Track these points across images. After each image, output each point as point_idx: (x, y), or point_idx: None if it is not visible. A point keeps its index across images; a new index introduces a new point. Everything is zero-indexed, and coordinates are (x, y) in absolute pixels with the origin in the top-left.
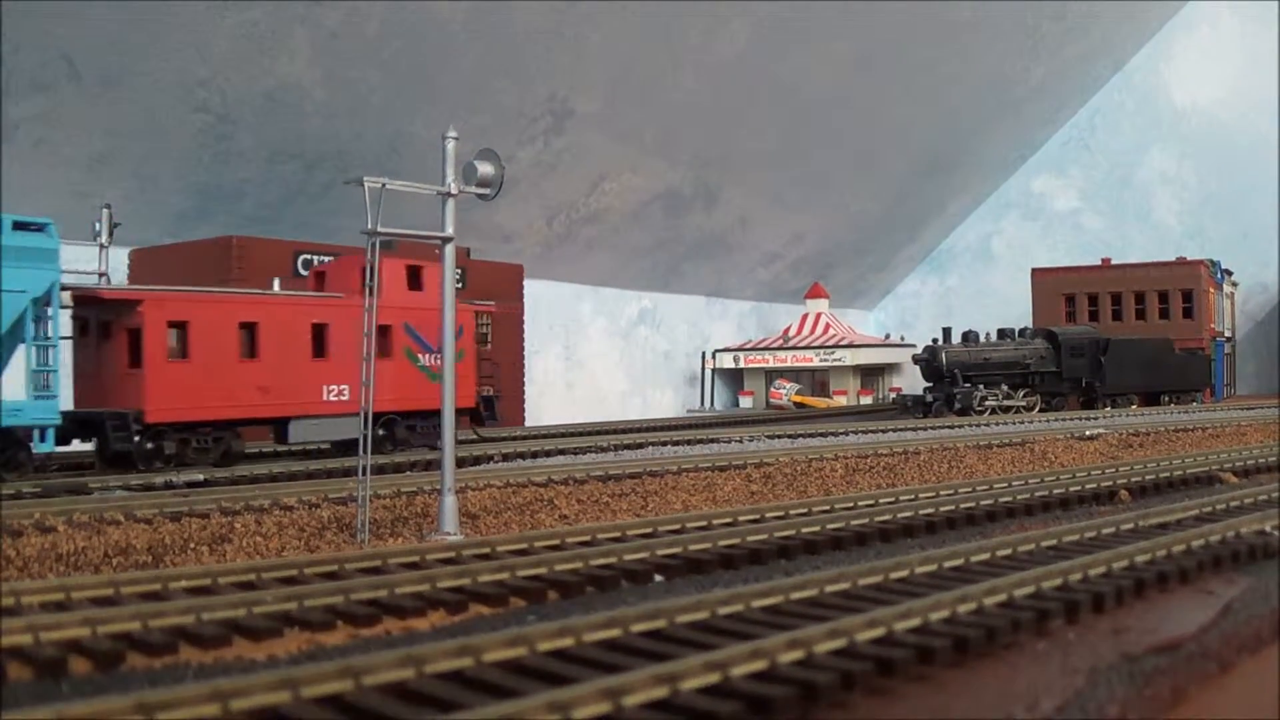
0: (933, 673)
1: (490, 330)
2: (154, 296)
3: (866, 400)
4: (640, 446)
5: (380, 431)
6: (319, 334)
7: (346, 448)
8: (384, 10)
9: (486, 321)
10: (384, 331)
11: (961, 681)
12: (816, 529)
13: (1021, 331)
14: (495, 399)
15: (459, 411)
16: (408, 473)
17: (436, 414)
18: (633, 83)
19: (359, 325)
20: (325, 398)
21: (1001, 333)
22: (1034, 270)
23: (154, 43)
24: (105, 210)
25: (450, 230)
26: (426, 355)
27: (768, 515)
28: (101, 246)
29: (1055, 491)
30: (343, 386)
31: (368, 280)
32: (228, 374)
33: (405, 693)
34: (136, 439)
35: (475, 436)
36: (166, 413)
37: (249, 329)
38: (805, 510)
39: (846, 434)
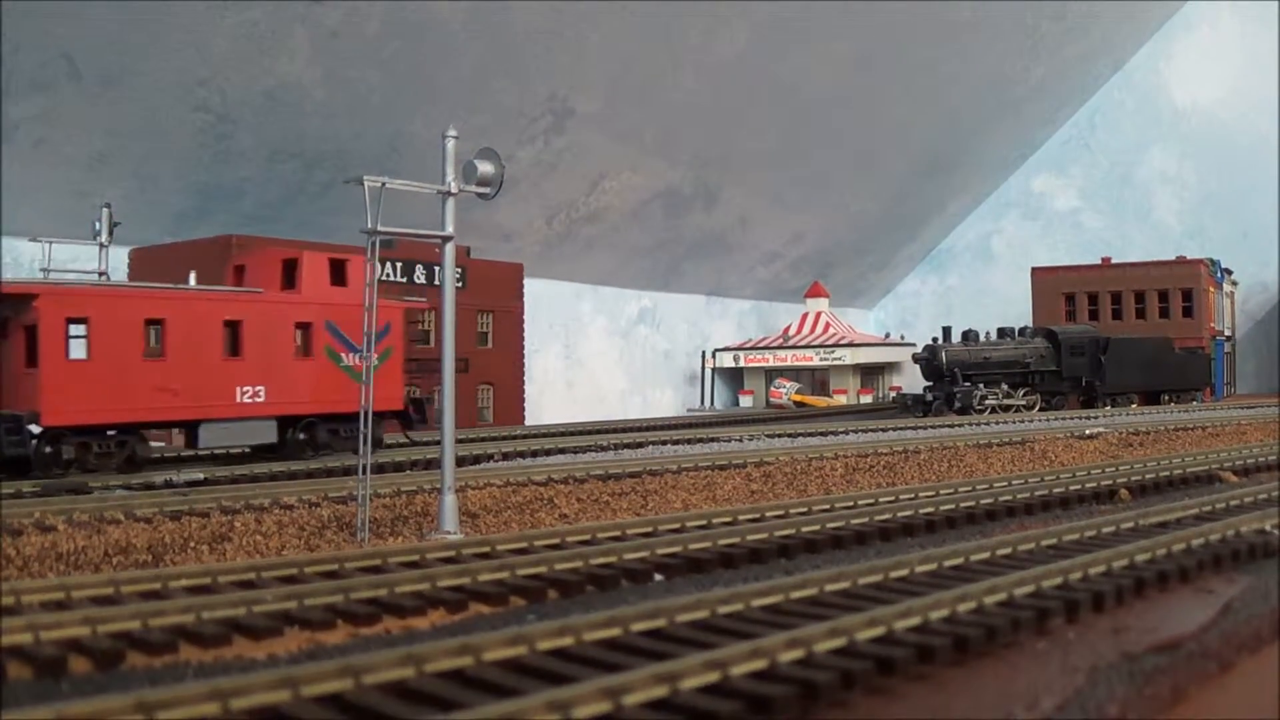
0: (933, 672)
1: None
2: (51, 291)
3: (866, 399)
4: (640, 445)
5: (300, 435)
6: (233, 331)
7: (270, 451)
8: (384, 10)
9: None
10: (302, 329)
11: (962, 680)
12: (816, 528)
13: (1021, 331)
14: (426, 401)
15: (384, 415)
16: (408, 471)
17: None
18: (633, 83)
19: (277, 322)
20: (239, 399)
21: (1001, 332)
22: (1034, 269)
23: (154, 43)
24: (105, 210)
25: (450, 229)
26: (350, 355)
27: (768, 514)
28: (101, 246)
29: (1055, 490)
30: (258, 388)
31: (367, 279)
32: (132, 374)
33: (405, 692)
34: (34, 443)
35: (406, 440)
36: (65, 415)
37: (155, 326)
38: (805, 509)
39: (846, 433)
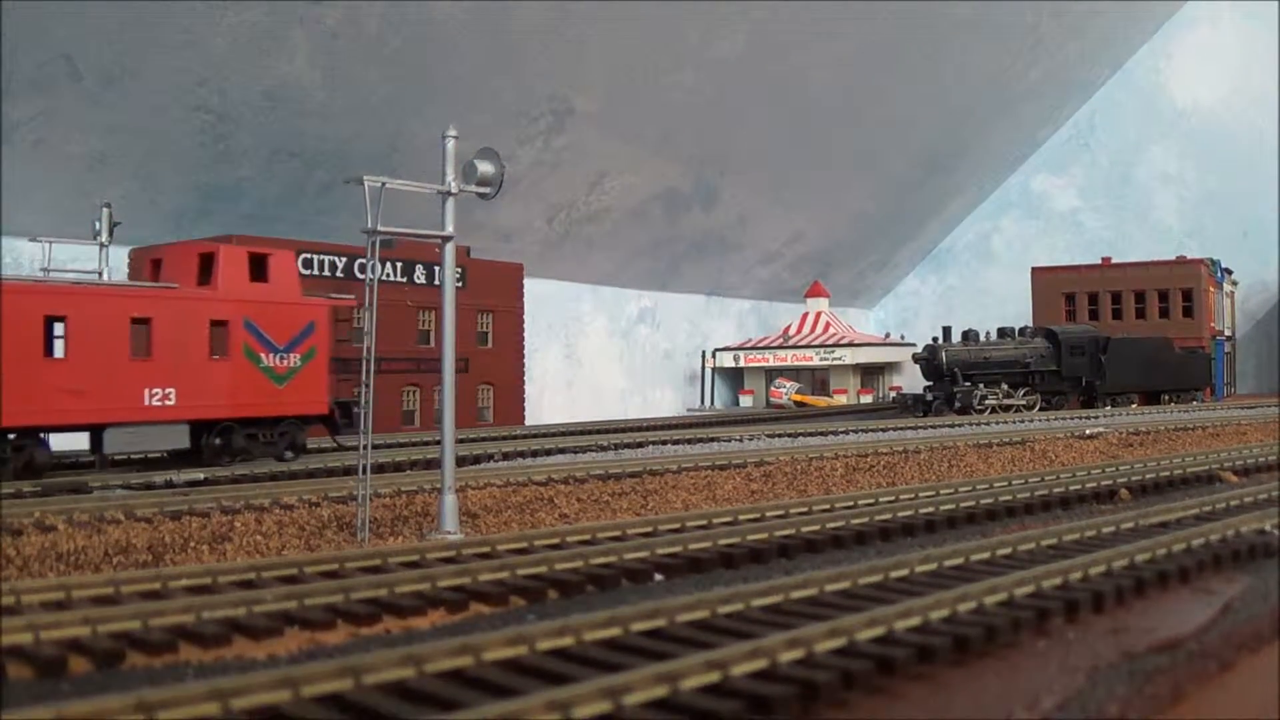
0: (933, 672)
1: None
2: None
3: (866, 399)
4: (640, 445)
5: (216, 441)
6: (141, 330)
7: (186, 457)
8: (384, 10)
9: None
10: (218, 327)
11: (962, 680)
12: (817, 528)
13: (1022, 330)
14: (354, 405)
15: (309, 419)
16: (408, 471)
17: (283, 421)
18: (633, 83)
19: (190, 319)
20: (147, 402)
21: (1001, 332)
22: (1034, 269)
23: (154, 43)
24: (105, 209)
25: (450, 229)
26: (271, 355)
27: (768, 514)
28: (101, 245)
29: (1055, 490)
30: (168, 390)
31: (367, 279)
32: (29, 375)
33: (405, 691)
34: None
35: (336, 446)
36: None
37: (55, 324)
38: (805, 509)
39: (846, 433)
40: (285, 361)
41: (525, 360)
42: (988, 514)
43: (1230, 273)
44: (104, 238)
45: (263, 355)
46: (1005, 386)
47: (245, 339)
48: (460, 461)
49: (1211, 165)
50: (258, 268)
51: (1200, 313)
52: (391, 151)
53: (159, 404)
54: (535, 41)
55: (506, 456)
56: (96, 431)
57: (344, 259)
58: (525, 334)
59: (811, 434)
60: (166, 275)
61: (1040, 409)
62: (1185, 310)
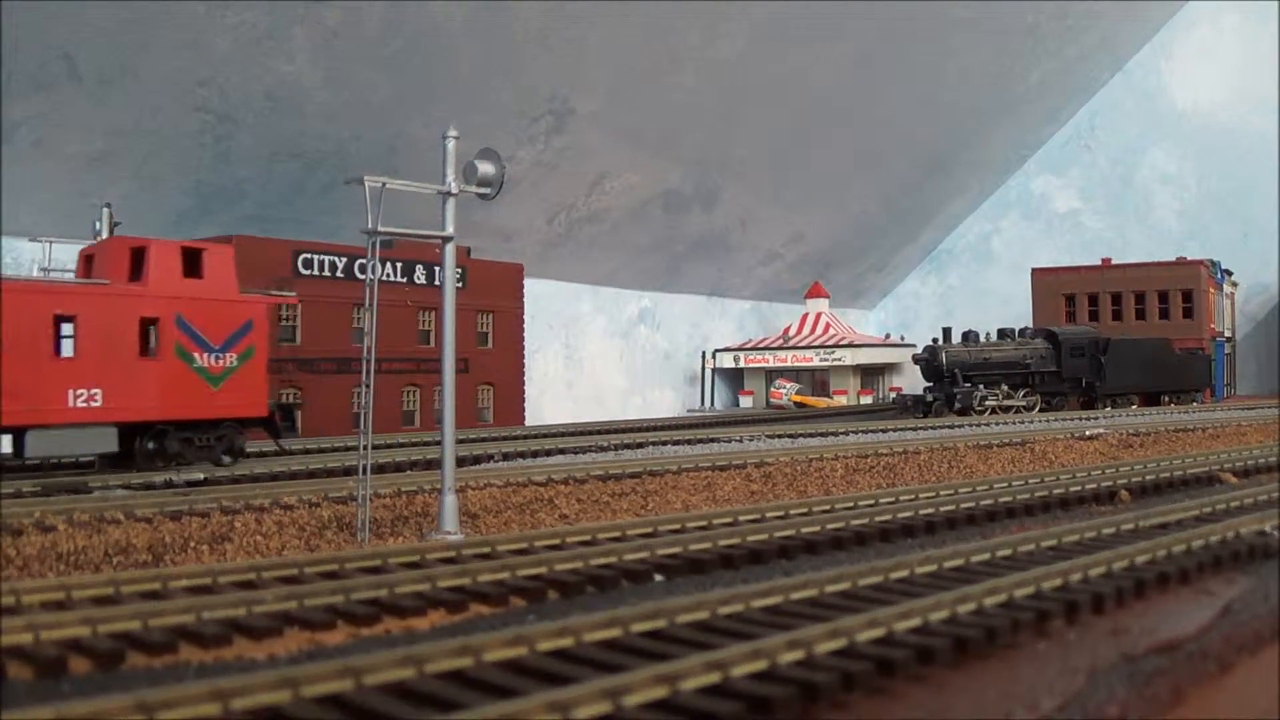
0: (933, 673)
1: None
2: None
3: (866, 400)
4: (640, 446)
5: (149, 445)
6: (65, 328)
7: (115, 462)
8: (384, 10)
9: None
10: (149, 325)
11: (962, 682)
12: (816, 529)
13: (1022, 331)
14: (295, 407)
15: (248, 422)
16: (408, 472)
17: (219, 424)
18: (633, 83)
19: (118, 317)
20: (71, 404)
21: (1001, 332)
22: (1034, 270)
23: (154, 43)
24: (105, 210)
25: (450, 230)
26: (205, 354)
27: (768, 515)
28: None
29: (1055, 492)
30: (94, 391)
31: (368, 280)
32: None
33: (405, 692)
34: None
35: (279, 450)
36: None
37: None
38: (805, 510)
39: (846, 434)
40: (221, 361)
41: (525, 360)
42: (988, 515)
43: (1230, 274)
44: (104, 238)
45: (196, 355)
46: (1005, 387)
47: (178, 337)
48: (460, 462)
49: (1212, 166)
50: (191, 263)
51: (1200, 314)
52: (391, 152)
53: (84, 405)
54: (535, 42)
55: (506, 457)
56: (18, 434)
57: (344, 259)
58: (525, 334)
59: (811, 435)
60: (97, 272)
61: (1040, 410)
62: (1185, 311)
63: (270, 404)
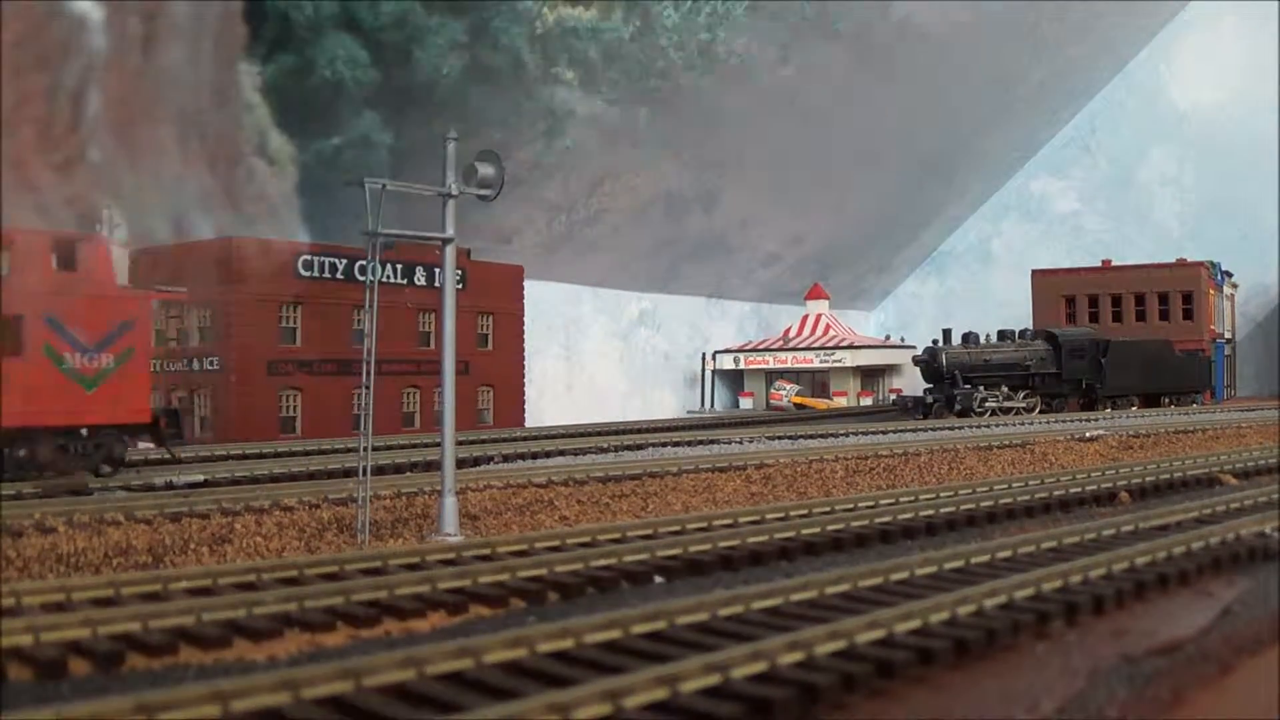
0: (933, 674)
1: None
2: None
3: (866, 401)
4: (640, 448)
5: (20, 453)
6: None
7: None
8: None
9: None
10: (12, 324)
11: (962, 683)
12: (816, 530)
13: (1022, 333)
14: (179, 412)
15: (128, 428)
16: (408, 473)
17: (99, 430)
18: (634, 84)
19: None
20: None
21: (1002, 334)
22: (1034, 272)
23: None
24: (106, 210)
25: (451, 231)
26: (77, 355)
27: (768, 516)
28: None
29: (1055, 493)
30: None
31: (368, 281)
32: None
33: (405, 694)
34: None
35: (169, 457)
36: None
37: None
38: (805, 511)
39: (846, 435)
40: (95, 362)
41: (525, 362)
42: (988, 516)
43: (1230, 275)
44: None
45: (67, 355)
46: (1005, 389)
47: (46, 336)
48: (460, 464)
49: (1212, 168)
50: (64, 257)
51: (1200, 315)
52: (392, 152)
53: None
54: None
55: (506, 459)
56: None
57: (344, 260)
58: (525, 336)
59: (811, 436)
60: None
61: (1040, 411)
62: (1185, 313)
63: (155, 409)
